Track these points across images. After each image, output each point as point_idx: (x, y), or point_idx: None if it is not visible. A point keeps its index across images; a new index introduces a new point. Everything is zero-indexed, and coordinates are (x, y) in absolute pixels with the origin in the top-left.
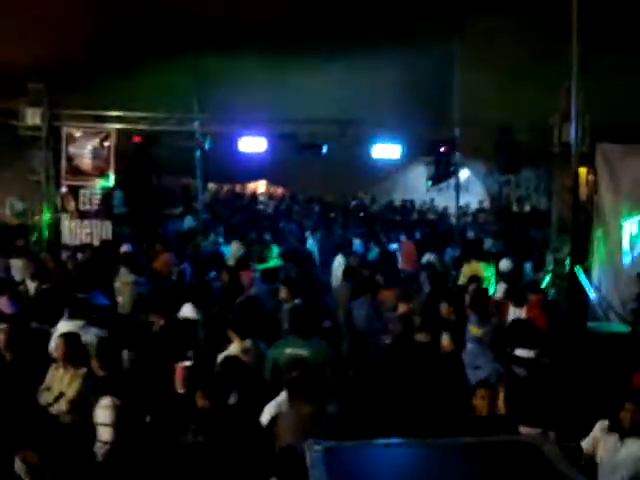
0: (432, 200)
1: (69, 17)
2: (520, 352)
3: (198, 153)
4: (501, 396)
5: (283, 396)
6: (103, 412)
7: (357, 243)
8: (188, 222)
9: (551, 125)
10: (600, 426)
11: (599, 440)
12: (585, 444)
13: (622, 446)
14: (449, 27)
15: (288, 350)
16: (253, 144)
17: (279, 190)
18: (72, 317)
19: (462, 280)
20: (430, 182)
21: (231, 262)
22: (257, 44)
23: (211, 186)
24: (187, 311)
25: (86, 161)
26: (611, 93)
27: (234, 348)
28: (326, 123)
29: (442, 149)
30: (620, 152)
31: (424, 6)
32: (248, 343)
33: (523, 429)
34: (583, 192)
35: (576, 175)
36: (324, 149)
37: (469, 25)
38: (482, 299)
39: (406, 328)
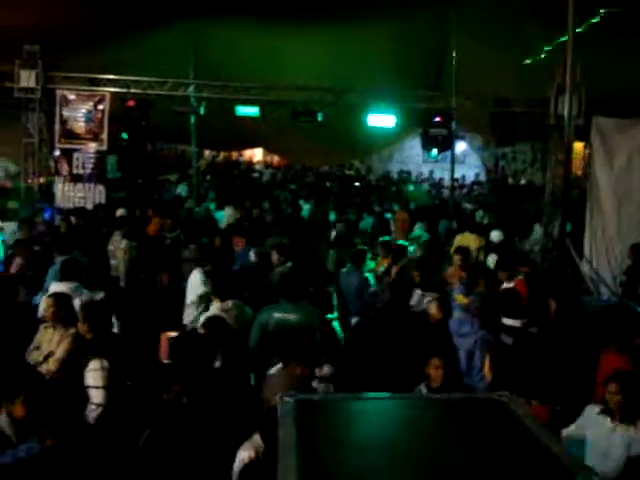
0: (431, 172)
1: None
2: (507, 321)
3: (193, 119)
4: (487, 363)
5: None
6: (93, 375)
7: (350, 212)
8: (181, 189)
9: (547, 98)
10: (590, 411)
11: (590, 425)
12: (575, 427)
13: (614, 431)
14: None
15: (277, 314)
16: (249, 110)
17: (275, 158)
18: (64, 279)
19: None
20: (428, 152)
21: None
22: (254, 11)
23: (207, 153)
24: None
25: (80, 124)
26: (607, 67)
27: (214, 308)
28: (321, 90)
29: (437, 119)
30: (615, 126)
31: None
32: (229, 304)
33: None
34: (579, 166)
35: (569, 148)
36: (319, 116)
37: None
38: (470, 269)
39: (394, 295)
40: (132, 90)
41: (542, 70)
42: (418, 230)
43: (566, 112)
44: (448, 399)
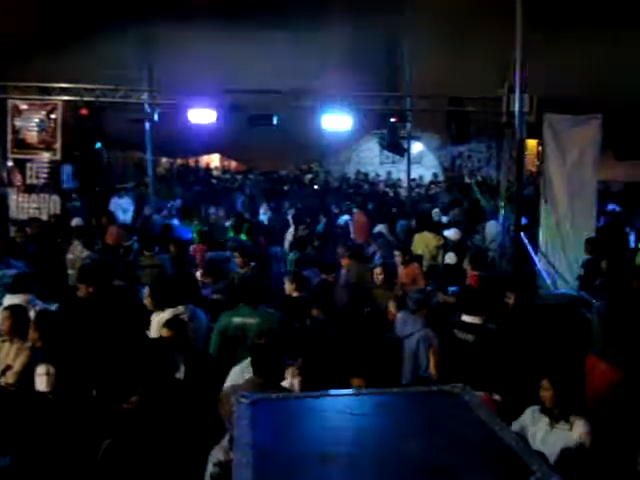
0: (389, 173)
1: None
2: (466, 318)
3: (147, 126)
4: (432, 361)
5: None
6: (40, 379)
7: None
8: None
9: (500, 96)
10: (530, 411)
11: (529, 425)
12: (516, 425)
13: (551, 430)
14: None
15: (236, 319)
16: (203, 116)
17: (233, 164)
18: (17, 291)
19: (414, 250)
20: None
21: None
22: (206, 15)
23: (164, 160)
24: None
25: (32, 134)
26: (558, 65)
27: (165, 313)
28: (276, 94)
29: (393, 120)
30: (567, 123)
31: None
32: (181, 309)
33: None
34: (532, 162)
35: (520, 144)
36: (274, 120)
37: None
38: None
39: (350, 295)
40: (85, 98)
41: (495, 69)
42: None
43: (517, 109)
44: (402, 392)
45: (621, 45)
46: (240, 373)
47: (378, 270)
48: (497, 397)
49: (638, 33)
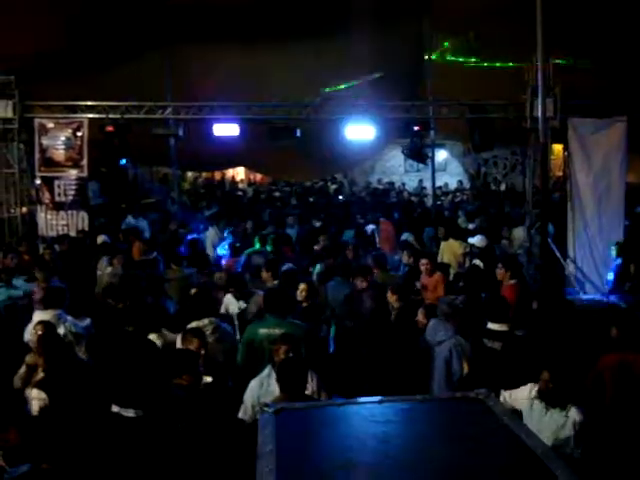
0: (421, 181)
1: (38, 7)
2: (492, 326)
3: (172, 141)
4: (465, 368)
5: (267, 371)
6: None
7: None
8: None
9: (524, 102)
10: (530, 388)
11: (524, 405)
12: (508, 396)
13: (546, 415)
14: (422, 7)
15: (262, 330)
16: (226, 129)
17: (258, 176)
18: (47, 307)
19: (440, 258)
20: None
21: (208, 249)
22: (228, 30)
23: (190, 175)
24: None
25: (59, 152)
26: (582, 70)
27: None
28: (299, 106)
29: (416, 128)
30: (591, 127)
31: None
32: (205, 321)
33: None
34: (559, 167)
35: (545, 148)
36: (297, 133)
37: (441, 5)
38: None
39: (377, 304)
40: (110, 115)
41: (518, 74)
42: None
43: (540, 114)
44: (426, 399)
45: None
46: (259, 384)
47: (302, 286)
48: None
49: None
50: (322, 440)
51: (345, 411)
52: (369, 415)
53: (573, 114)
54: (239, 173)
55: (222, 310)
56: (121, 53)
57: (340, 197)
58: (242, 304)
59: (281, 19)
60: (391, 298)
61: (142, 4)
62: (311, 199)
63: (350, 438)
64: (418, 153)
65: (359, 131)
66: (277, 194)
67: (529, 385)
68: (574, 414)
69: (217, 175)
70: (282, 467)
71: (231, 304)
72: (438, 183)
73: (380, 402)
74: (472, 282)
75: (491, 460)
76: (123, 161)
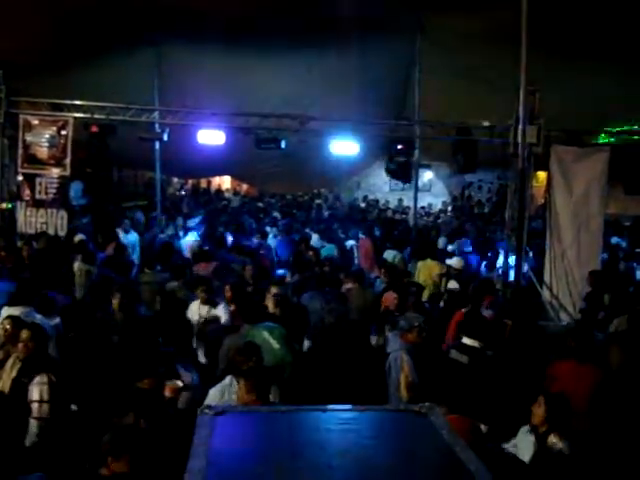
0: (400, 200)
1: (28, 4)
2: (466, 340)
3: (157, 145)
4: (402, 381)
5: (227, 380)
6: (38, 388)
7: (315, 239)
8: (138, 216)
9: (508, 127)
10: (523, 431)
11: (520, 442)
12: (510, 445)
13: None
14: (411, 25)
15: (265, 334)
16: (212, 137)
17: (244, 186)
18: (16, 303)
19: (416, 277)
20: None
21: (187, 254)
22: (219, 38)
23: (176, 181)
24: None
25: (42, 149)
26: (567, 98)
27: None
28: (285, 118)
29: (399, 147)
30: (574, 155)
31: (386, 3)
32: None
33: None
34: (543, 195)
35: (523, 174)
36: (282, 144)
37: (430, 24)
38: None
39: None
40: (96, 116)
41: (506, 99)
42: (388, 256)
43: (520, 140)
44: (370, 410)
45: (632, 76)
46: (220, 393)
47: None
48: (483, 427)
49: None
50: (258, 444)
51: (287, 417)
52: (310, 423)
53: (559, 142)
54: (225, 182)
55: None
56: (110, 54)
57: (324, 212)
58: (208, 310)
59: (272, 32)
60: None
61: (134, 7)
62: (295, 212)
63: (287, 444)
64: (401, 172)
65: (343, 146)
66: (260, 205)
67: (522, 428)
68: (556, 442)
69: (203, 182)
70: (212, 468)
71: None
72: (422, 203)
73: (324, 410)
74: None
75: (423, 475)
76: (108, 162)
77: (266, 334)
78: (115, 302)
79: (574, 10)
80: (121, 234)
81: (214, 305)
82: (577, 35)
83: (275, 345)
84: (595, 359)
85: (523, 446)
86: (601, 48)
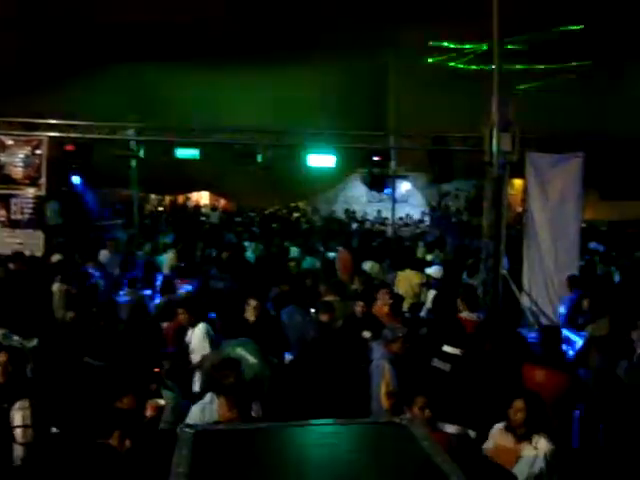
0: (379, 212)
1: (1, 25)
2: (447, 348)
3: (134, 163)
4: (383, 389)
5: (208, 398)
6: (20, 413)
7: (294, 251)
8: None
9: (483, 135)
10: (498, 428)
11: (494, 441)
12: (486, 446)
13: (517, 449)
14: (385, 38)
15: (239, 350)
16: (188, 152)
17: (222, 201)
18: None
19: (396, 287)
20: (369, 193)
21: (166, 271)
22: (193, 54)
23: (153, 197)
24: None
25: (17, 169)
26: (541, 105)
27: None
28: (262, 132)
29: (376, 158)
30: (549, 161)
31: (360, 17)
32: None
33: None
34: (520, 202)
35: (498, 182)
36: (259, 158)
37: (404, 36)
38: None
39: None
40: (71, 134)
41: (482, 107)
42: (366, 267)
43: (494, 148)
44: (351, 423)
45: (607, 85)
46: (201, 410)
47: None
48: (471, 433)
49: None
50: (237, 463)
51: (267, 434)
52: (291, 439)
53: (534, 149)
54: (203, 197)
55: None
56: (84, 73)
57: (303, 224)
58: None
59: (248, 47)
60: None
61: (107, 27)
62: (274, 225)
63: (267, 462)
64: (378, 183)
65: (320, 159)
66: (239, 219)
67: (496, 425)
68: (544, 445)
69: (180, 198)
70: None
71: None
72: (400, 214)
73: (304, 426)
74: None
75: None
76: (77, 181)
77: (240, 349)
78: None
79: (545, 15)
80: (107, 254)
81: (193, 325)
82: (549, 42)
83: (252, 360)
84: (564, 365)
85: (499, 446)
86: (573, 54)
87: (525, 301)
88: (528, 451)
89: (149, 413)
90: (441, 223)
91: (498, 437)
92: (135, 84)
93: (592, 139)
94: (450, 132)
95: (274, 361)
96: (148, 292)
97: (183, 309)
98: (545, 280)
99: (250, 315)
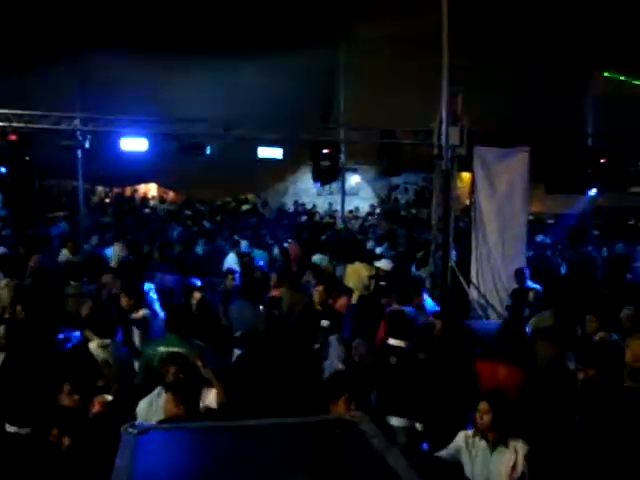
0: (330, 204)
1: None
2: (393, 341)
3: (80, 153)
4: None
5: (156, 391)
6: None
7: (244, 245)
8: (62, 227)
9: (432, 129)
10: (464, 435)
11: (463, 449)
12: (446, 452)
13: (492, 455)
14: (335, 31)
15: (162, 349)
16: (135, 144)
17: (171, 194)
18: None
19: (346, 280)
20: (319, 185)
21: (113, 264)
22: (141, 44)
23: (100, 189)
24: None
25: None
26: (488, 100)
27: (92, 344)
28: (210, 124)
29: (325, 151)
30: (496, 154)
31: (312, 12)
32: (107, 341)
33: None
34: (468, 195)
35: (447, 175)
36: (207, 150)
37: (354, 30)
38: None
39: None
40: (14, 124)
41: (430, 102)
42: (316, 260)
43: (443, 142)
44: (299, 421)
45: (551, 81)
46: (149, 404)
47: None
48: (418, 425)
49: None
50: (180, 463)
51: (212, 434)
52: (236, 438)
53: (482, 143)
54: (151, 189)
55: None
56: (29, 60)
57: (252, 217)
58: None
59: (196, 37)
60: None
61: (54, 14)
62: (218, 218)
63: (211, 463)
64: (327, 176)
65: (269, 152)
66: (189, 212)
67: (461, 433)
68: (521, 448)
69: (128, 191)
70: None
71: None
72: (350, 207)
73: (249, 424)
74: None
75: None
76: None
77: (162, 348)
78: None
79: (494, 14)
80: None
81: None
82: (498, 38)
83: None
84: (519, 359)
85: (475, 451)
86: (521, 52)
87: (473, 293)
88: (502, 452)
89: (95, 409)
90: (390, 216)
91: (466, 443)
92: (82, 74)
93: (538, 134)
94: (399, 126)
95: (202, 345)
96: (91, 287)
97: (124, 293)
98: (493, 272)
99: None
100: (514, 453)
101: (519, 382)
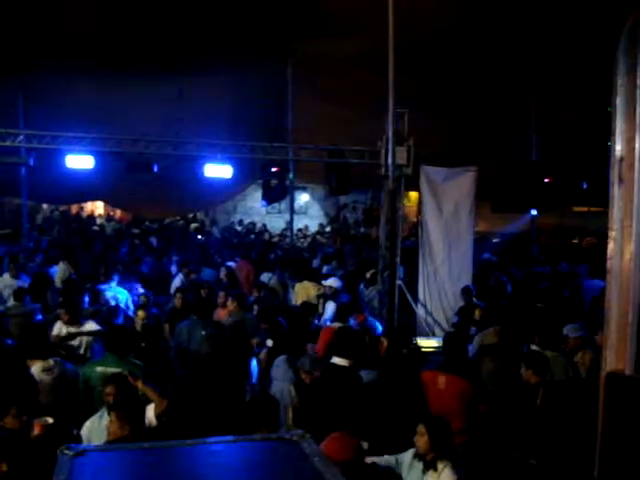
0: (288, 223)
1: None
2: (336, 360)
3: (24, 171)
4: (290, 415)
5: (99, 412)
6: None
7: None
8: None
9: (379, 149)
10: (411, 454)
11: (405, 467)
12: (386, 460)
13: (423, 478)
14: (282, 51)
15: (99, 368)
16: (80, 161)
17: (118, 212)
18: None
19: (294, 299)
20: (265, 204)
21: (57, 283)
22: (87, 61)
23: (45, 207)
24: None
25: None
26: (435, 120)
27: (35, 368)
28: (157, 142)
29: (273, 170)
30: (443, 175)
31: (260, 30)
32: (51, 362)
33: None
34: (415, 214)
35: (394, 194)
36: (154, 168)
37: (301, 49)
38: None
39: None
40: None
41: (378, 121)
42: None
43: (390, 161)
44: (240, 440)
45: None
46: (92, 426)
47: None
48: (364, 444)
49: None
50: None
51: (152, 454)
52: (176, 458)
53: (429, 163)
54: (98, 207)
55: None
56: None
57: (199, 236)
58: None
59: (144, 54)
60: None
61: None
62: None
63: None
64: (276, 195)
65: (217, 170)
66: (136, 231)
67: (411, 450)
68: (447, 476)
69: (74, 209)
70: None
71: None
72: (299, 225)
73: (192, 444)
74: None
75: None
76: None
77: (100, 368)
78: None
79: (441, 35)
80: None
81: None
82: (444, 59)
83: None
84: (461, 369)
85: (411, 473)
86: (466, 71)
87: (420, 311)
88: (431, 477)
89: (36, 432)
90: (339, 235)
91: (409, 462)
92: (26, 89)
93: (483, 154)
94: (347, 145)
95: (141, 365)
96: (35, 306)
97: (64, 309)
98: (439, 291)
99: (138, 327)
100: (439, 477)
101: (459, 390)
